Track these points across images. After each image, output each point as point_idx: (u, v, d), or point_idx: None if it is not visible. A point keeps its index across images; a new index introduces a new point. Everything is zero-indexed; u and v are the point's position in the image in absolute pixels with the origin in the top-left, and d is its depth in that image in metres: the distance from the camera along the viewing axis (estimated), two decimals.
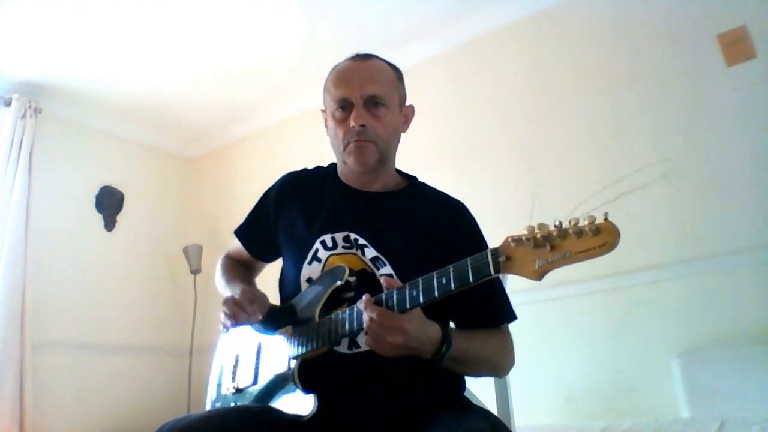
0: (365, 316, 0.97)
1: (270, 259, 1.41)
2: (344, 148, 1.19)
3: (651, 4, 2.57)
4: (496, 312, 1.17)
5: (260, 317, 1.15)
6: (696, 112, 2.39)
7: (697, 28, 2.42)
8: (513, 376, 1.44)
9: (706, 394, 1.98)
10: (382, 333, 0.95)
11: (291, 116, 3.63)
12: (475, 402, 1.18)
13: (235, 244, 1.43)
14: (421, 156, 2.98)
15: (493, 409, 1.33)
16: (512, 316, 1.19)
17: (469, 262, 0.91)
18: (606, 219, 0.79)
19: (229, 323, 1.15)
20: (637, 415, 2.19)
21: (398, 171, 1.31)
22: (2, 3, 2.71)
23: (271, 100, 3.72)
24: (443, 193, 1.28)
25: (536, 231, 0.84)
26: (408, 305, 0.96)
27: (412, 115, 1.28)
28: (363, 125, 1.16)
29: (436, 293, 0.94)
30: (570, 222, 0.81)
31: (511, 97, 2.90)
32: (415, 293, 0.96)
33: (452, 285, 0.92)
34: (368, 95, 1.16)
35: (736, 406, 1.88)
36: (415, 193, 1.26)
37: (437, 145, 3.04)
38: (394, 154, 1.27)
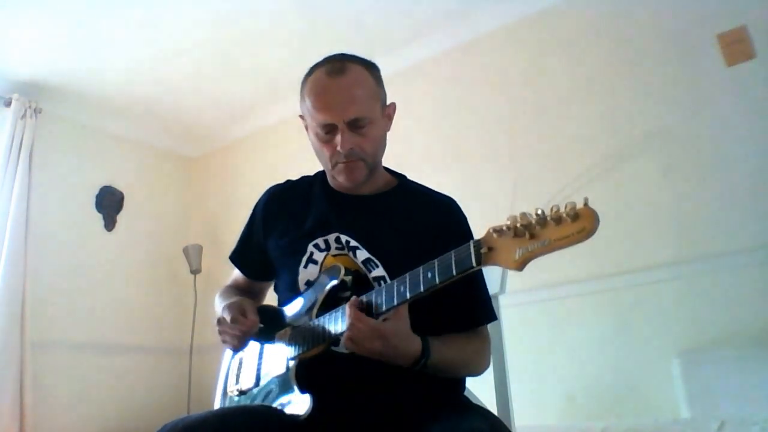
0: (347, 319, 0.99)
1: (269, 277, 1.39)
2: (332, 167, 1.19)
3: (651, 5, 2.57)
4: (476, 314, 1.17)
5: (259, 324, 1.16)
6: (696, 112, 2.39)
7: (697, 28, 2.42)
8: (513, 376, 1.44)
9: (706, 394, 1.98)
10: (362, 337, 0.97)
11: (291, 116, 3.58)
12: (475, 402, 1.18)
13: (234, 274, 1.43)
14: (421, 155, 2.99)
15: (493, 409, 1.33)
16: (492, 317, 1.20)
17: (452, 254, 0.91)
18: (585, 204, 0.78)
19: (233, 345, 1.17)
20: (637, 415, 2.19)
21: (386, 169, 1.31)
22: (2, 3, 2.71)
23: (271, 100, 3.72)
24: (432, 190, 1.28)
25: (517, 220, 0.83)
26: (396, 301, 0.97)
27: (394, 112, 1.26)
28: (351, 148, 1.15)
29: (422, 288, 0.94)
30: (551, 209, 0.80)
31: (511, 97, 2.90)
32: (402, 289, 0.96)
33: (437, 279, 0.92)
34: (351, 119, 1.13)
35: (736, 406, 1.88)
36: (405, 192, 1.26)
37: (435, 144, 3.04)
38: (382, 157, 1.26)
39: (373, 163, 1.20)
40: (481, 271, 1.18)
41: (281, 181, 1.38)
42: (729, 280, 2.19)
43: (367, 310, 1.00)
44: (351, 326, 0.97)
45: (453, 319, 1.13)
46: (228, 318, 1.16)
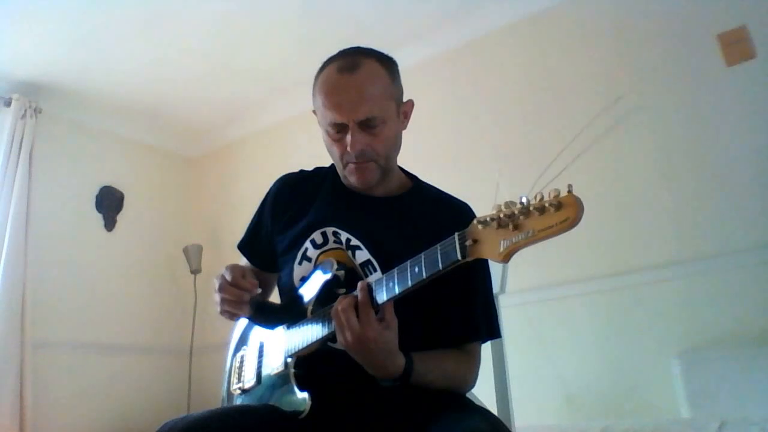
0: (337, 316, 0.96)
1: (276, 269, 1.35)
2: (344, 167, 1.16)
3: (651, 5, 2.57)
4: (469, 329, 1.12)
5: (259, 290, 1.14)
6: (696, 112, 2.39)
7: (697, 28, 2.42)
8: (513, 376, 1.44)
9: (706, 394, 1.98)
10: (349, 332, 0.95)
11: (291, 116, 3.63)
12: (475, 402, 1.17)
13: (243, 261, 1.39)
14: (421, 156, 2.98)
15: (493, 409, 1.33)
16: (485, 334, 1.15)
17: (438, 247, 0.89)
18: (569, 192, 0.74)
19: (234, 310, 1.14)
20: (637, 415, 2.19)
21: (402, 170, 1.27)
22: (2, 3, 2.71)
23: (271, 100, 3.72)
24: (447, 195, 1.24)
25: (501, 210, 0.80)
26: (386, 296, 0.95)
27: (412, 109, 1.22)
28: (361, 149, 1.11)
29: (410, 282, 0.92)
30: (535, 197, 0.77)
31: (510, 98, 2.90)
32: (391, 284, 0.95)
33: (424, 273, 0.90)
34: (362, 120, 1.09)
35: (736, 406, 1.88)
36: (418, 196, 1.23)
37: (437, 145, 3.04)
38: (397, 157, 1.22)
39: (385, 164, 1.16)
40: (486, 280, 1.17)
41: (277, 179, 1.35)
42: (729, 280, 2.19)
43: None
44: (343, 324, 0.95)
45: (444, 331, 1.09)
46: (228, 278, 1.12)
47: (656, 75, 2.51)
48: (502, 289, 1.47)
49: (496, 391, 1.42)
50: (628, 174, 2.50)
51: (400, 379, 0.99)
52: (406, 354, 1.00)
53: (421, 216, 1.17)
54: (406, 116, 1.21)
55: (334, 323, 0.98)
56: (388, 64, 1.16)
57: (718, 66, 2.34)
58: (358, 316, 0.95)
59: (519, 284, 2.11)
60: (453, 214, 1.18)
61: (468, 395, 1.19)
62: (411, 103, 1.21)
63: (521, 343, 2.35)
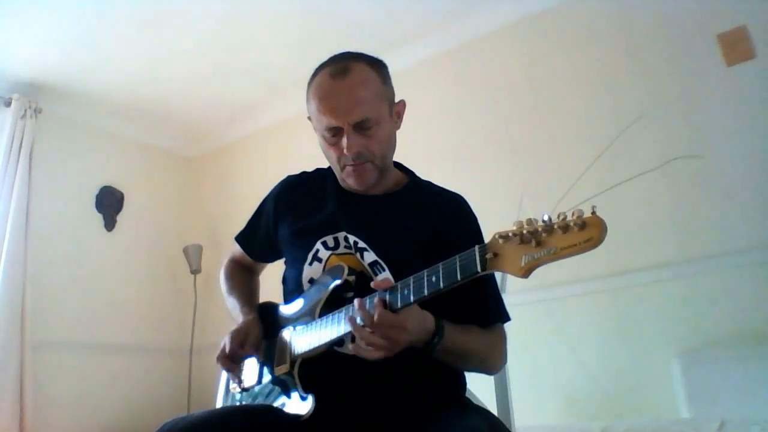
0: (358, 321, 0.97)
1: (271, 260, 1.42)
2: (341, 170, 1.18)
3: (651, 5, 2.57)
4: (489, 312, 1.16)
5: (256, 351, 1.21)
6: (696, 112, 2.39)
7: (697, 28, 2.42)
8: (513, 376, 1.44)
9: (706, 394, 1.98)
10: (388, 334, 0.95)
11: (291, 116, 3.63)
12: (475, 402, 1.17)
13: (236, 249, 1.44)
14: (420, 156, 2.97)
15: (493, 409, 1.33)
16: (505, 316, 1.18)
17: (457, 259, 0.91)
18: (593, 213, 0.77)
19: (237, 382, 1.24)
20: (637, 415, 2.19)
21: (397, 165, 1.29)
22: (2, 3, 2.71)
23: (271, 100, 3.72)
24: (442, 188, 1.27)
25: (524, 226, 0.82)
26: (399, 304, 0.96)
27: (404, 109, 1.24)
28: (358, 151, 1.13)
29: (426, 291, 0.93)
30: (558, 216, 0.79)
31: (510, 98, 2.90)
32: (406, 292, 0.96)
33: (441, 283, 0.92)
34: (356, 121, 1.11)
35: (736, 406, 1.88)
36: (414, 191, 1.25)
37: (436, 145, 3.04)
38: (392, 156, 1.24)
39: (382, 164, 1.18)
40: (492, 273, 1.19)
41: (280, 180, 1.38)
42: (729, 280, 2.19)
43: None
44: (374, 328, 0.96)
45: (466, 318, 1.11)
46: (227, 349, 1.20)
47: (656, 75, 2.51)
48: (502, 289, 1.47)
49: (496, 391, 1.42)
50: (627, 174, 2.49)
51: (437, 333, 1.00)
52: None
53: (421, 210, 1.20)
54: (399, 116, 1.23)
55: (352, 333, 0.99)
56: (377, 66, 1.19)
57: (718, 66, 2.34)
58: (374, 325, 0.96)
59: (519, 284, 2.11)
60: (449, 205, 1.22)
61: (468, 395, 1.20)
62: (403, 103, 1.23)
63: (521, 343, 2.35)
